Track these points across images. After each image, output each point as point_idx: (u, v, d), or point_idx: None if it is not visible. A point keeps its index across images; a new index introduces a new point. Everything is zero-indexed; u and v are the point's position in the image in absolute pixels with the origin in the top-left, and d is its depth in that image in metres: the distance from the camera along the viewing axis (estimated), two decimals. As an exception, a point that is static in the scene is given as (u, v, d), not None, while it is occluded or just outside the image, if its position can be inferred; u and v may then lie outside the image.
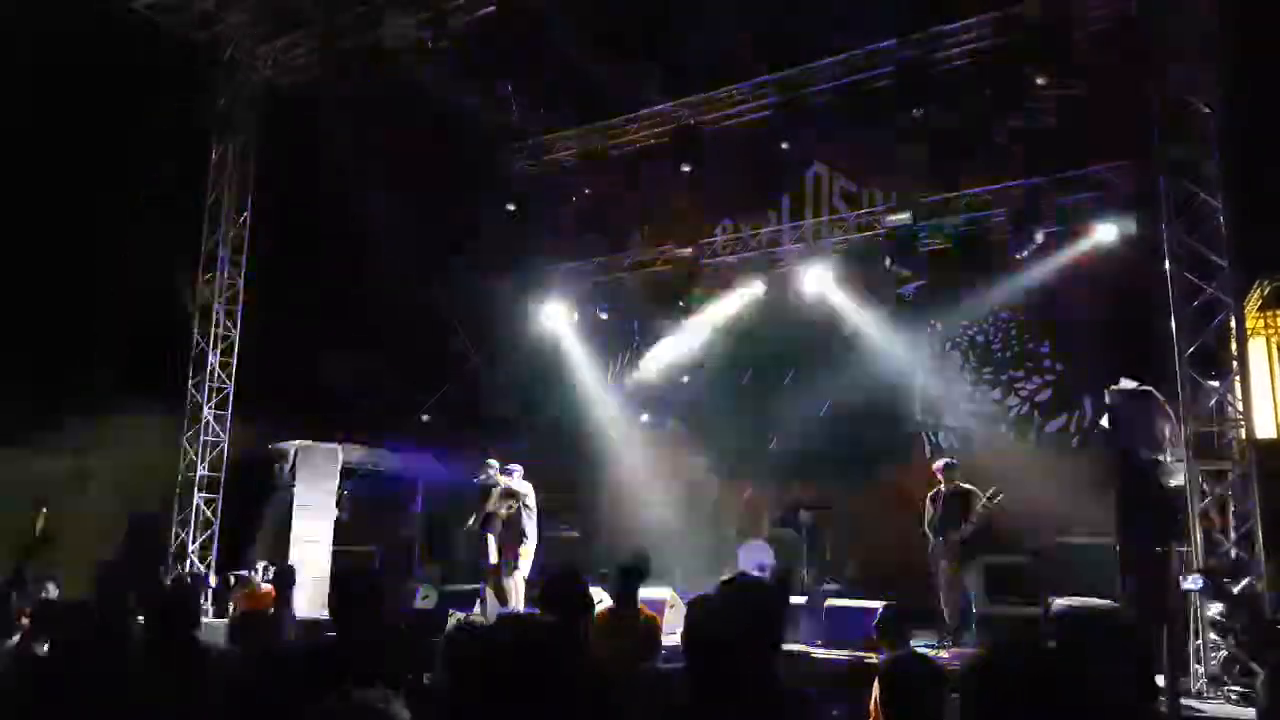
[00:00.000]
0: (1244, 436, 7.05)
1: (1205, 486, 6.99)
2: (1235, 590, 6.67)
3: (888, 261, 11.29)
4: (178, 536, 11.12)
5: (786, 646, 5.45)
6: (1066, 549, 9.18)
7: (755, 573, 8.28)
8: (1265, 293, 10.68)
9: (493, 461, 9.98)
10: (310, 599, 10.11)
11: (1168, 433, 7.29)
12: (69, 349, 11.33)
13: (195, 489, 11.15)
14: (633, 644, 4.54)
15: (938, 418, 11.90)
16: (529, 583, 9.41)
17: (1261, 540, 6.79)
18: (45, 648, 4.33)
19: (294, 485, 10.75)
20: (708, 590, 2.61)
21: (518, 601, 9.19)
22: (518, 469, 9.70)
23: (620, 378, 14.21)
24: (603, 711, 2.62)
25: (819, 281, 11.86)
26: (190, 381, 11.38)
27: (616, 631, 4.61)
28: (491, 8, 10.00)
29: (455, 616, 8.84)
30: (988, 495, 8.33)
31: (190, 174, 11.61)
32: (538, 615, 3.63)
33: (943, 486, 8.70)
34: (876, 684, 3.05)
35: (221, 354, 11.50)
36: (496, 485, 9.68)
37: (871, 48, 10.91)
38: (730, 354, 13.04)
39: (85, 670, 3.32)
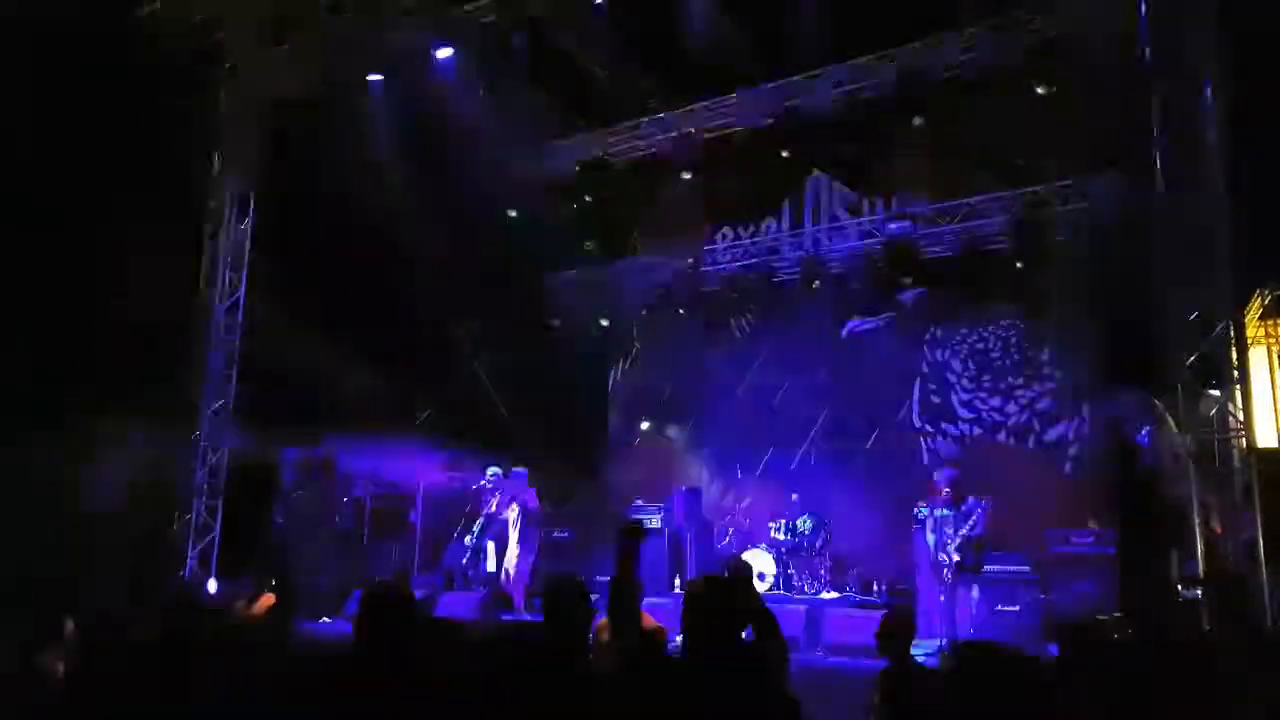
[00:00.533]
0: (1244, 446, 7.04)
1: (1206, 496, 6.98)
2: (1233, 600, 6.65)
3: (888, 269, 11.31)
4: (177, 542, 11.10)
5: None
6: (1066, 558, 9.18)
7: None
8: (1265, 302, 10.69)
9: (494, 467, 9.98)
10: (309, 606, 10.09)
11: (1168, 442, 7.30)
12: (69, 354, 11.31)
13: (195, 494, 11.13)
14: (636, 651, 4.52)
15: (937, 425, 11.92)
16: (530, 588, 9.40)
17: (1262, 549, 6.77)
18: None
19: (294, 491, 10.73)
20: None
21: (520, 607, 9.18)
22: (522, 473, 9.69)
23: (621, 384, 14.22)
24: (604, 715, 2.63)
25: (817, 289, 11.88)
26: (191, 387, 11.37)
27: (619, 639, 4.59)
28: (492, 16, 10.03)
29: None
30: (983, 504, 8.31)
31: (192, 180, 11.62)
32: (539, 621, 3.62)
33: (940, 495, 8.67)
34: (876, 691, 3.05)
35: (222, 359, 11.49)
36: (498, 491, 9.68)
37: (871, 56, 10.95)
38: (730, 361, 13.05)
39: (87, 675, 3.32)
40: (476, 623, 9.12)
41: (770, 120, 11.70)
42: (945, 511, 8.49)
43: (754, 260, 12.83)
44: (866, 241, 11.97)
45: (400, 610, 3.21)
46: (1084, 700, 2.66)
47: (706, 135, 12.21)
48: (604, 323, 13.64)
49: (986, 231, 11.17)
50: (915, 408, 12.06)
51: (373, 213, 11.74)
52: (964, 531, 8.32)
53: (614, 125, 12.88)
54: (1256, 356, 10.51)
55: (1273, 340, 11.07)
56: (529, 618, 9.05)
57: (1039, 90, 9.66)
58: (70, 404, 10.28)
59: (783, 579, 10.53)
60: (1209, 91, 7.32)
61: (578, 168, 13.16)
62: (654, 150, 12.66)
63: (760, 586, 9.86)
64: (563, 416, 13.43)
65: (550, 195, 13.31)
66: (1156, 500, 7.02)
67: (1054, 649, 6.98)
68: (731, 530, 11.57)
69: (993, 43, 10.16)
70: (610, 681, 2.91)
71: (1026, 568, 9.07)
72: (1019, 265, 10.53)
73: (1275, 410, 10.72)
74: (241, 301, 11.70)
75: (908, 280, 11.70)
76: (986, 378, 11.67)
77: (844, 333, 12.09)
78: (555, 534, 10.94)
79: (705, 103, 12.21)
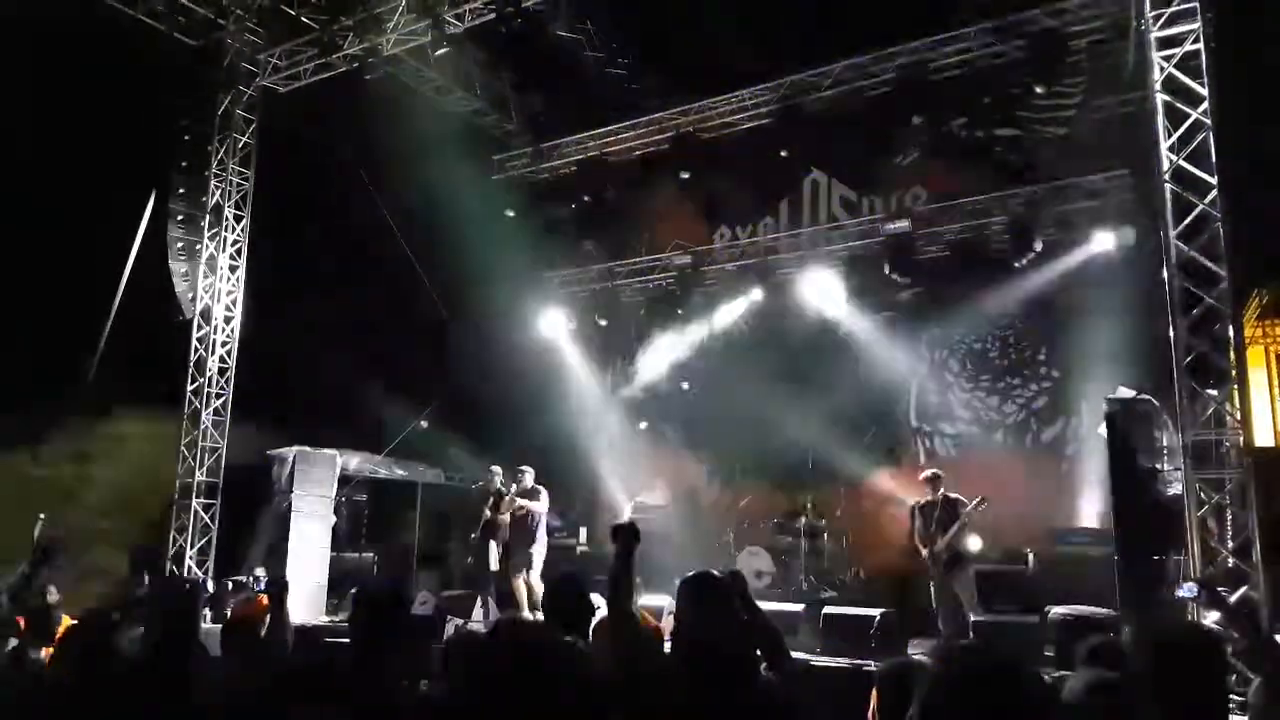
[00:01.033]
0: (1242, 445, 7.05)
1: (1203, 495, 6.98)
2: (1232, 599, 6.66)
3: (886, 269, 11.31)
4: (175, 542, 11.10)
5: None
6: (1064, 557, 9.19)
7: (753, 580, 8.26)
8: (1263, 302, 10.72)
9: (495, 467, 9.96)
10: (307, 605, 10.10)
11: (1165, 441, 7.30)
12: (68, 355, 11.34)
13: (193, 495, 11.13)
14: (634, 651, 4.53)
15: (935, 424, 11.92)
16: (530, 588, 9.37)
17: (1259, 549, 6.78)
18: (43, 652, 4.32)
19: (292, 491, 10.73)
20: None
21: (528, 605, 9.14)
22: (529, 471, 9.66)
23: (619, 384, 14.22)
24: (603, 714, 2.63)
25: (817, 289, 11.89)
26: (189, 387, 11.37)
27: (617, 639, 4.60)
28: (491, 14, 10.03)
29: (454, 623, 8.84)
30: (973, 502, 8.28)
31: (190, 179, 11.62)
32: (539, 621, 3.64)
33: (929, 496, 8.63)
34: (873, 692, 3.05)
35: (220, 360, 11.50)
36: (499, 491, 9.66)
37: (871, 55, 10.95)
38: (729, 361, 13.04)
39: (82, 675, 3.32)
40: (476, 623, 9.13)
41: (769, 119, 11.72)
42: (933, 512, 8.44)
43: (753, 260, 12.83)
44: (866, 241, 11.97)
45: (397, 610, 3.22)
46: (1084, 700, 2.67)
47: (706, 135, 12.22)
48: (603, 323, 13.64)
49: (986, 231, 11.18)
50: (912, 407, 12.06)
51: (371, 213, 11.75)
52: (951, 531, 8.26)
53: (613, 125, 12.89)
54: (1254, 356, 10.55)
55: (1270, 340, 11.10)
56: (529, 617, 9.04)
57: (1038, 90, 9.67)
58: (69, 408, 10.31)
59: (782, 578, 10.53)
60: (1210, 90, 7.32)
61: (577, 168, 13.18)
62: (654, 150, 12.67)
63: (759, 585, 9.87)
64: (562, 416, 13.44)
65: (550, 195, 13.33)
66: (1153, 500, 7.02)
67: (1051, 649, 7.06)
68: (731, 530, 11.58)
69: (992, 42, 10.16)
70: (609, 681, 2.92)
71: (1023, 567, 9.07)
72: (1017, 265, 10.52)
73: (1272, 410, 10.75)
74: (240, 301, 11.70)
75: (906, 280, 11.70)
76: (985, 377, 11.68)
77: (843, 332, 12.08)
78: (555, 534, 10.93)
79: (705, 102, 12.23)
